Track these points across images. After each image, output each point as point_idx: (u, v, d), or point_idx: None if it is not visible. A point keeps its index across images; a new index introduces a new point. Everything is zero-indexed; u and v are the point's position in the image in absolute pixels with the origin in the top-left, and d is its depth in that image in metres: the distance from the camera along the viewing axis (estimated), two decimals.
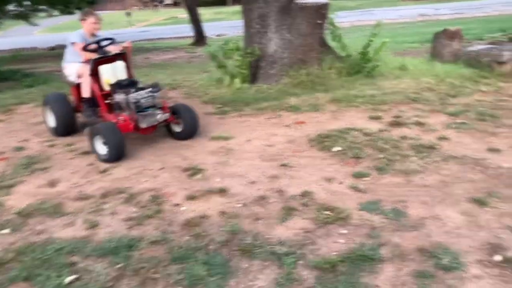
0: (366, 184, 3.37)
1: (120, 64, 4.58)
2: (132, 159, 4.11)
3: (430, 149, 3.92)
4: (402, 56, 8.25)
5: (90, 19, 4.77)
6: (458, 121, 4.63)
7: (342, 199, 3.15)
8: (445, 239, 2.60)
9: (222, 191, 3.34)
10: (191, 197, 3.27)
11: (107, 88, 4.46)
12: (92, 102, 4.62)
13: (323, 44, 6.73)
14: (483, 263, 2.36)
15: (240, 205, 3.13)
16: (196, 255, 2.54)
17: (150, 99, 4.30)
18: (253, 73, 6.48)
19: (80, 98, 4.75)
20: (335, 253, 2.49)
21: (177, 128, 4.51)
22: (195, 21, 15.88)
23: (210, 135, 4.60)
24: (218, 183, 3.49)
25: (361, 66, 6.53)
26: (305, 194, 3.24)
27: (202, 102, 5.94)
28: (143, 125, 4.24)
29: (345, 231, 2.73)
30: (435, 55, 7.52)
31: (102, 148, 4.03)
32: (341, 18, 20.26)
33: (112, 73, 4.50)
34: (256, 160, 3.92)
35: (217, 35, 18.14)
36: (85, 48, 4.49)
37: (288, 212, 3.00)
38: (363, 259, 2.42)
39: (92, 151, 4.13)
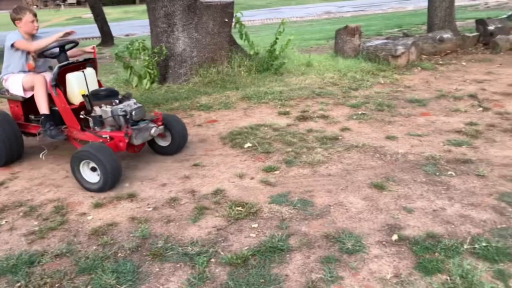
0: (276, 177, 3.47)
1: (91, 72, 3.88)
2: (33, 168, 3.84)
3: (333, 140, 4.14)
4: (308, 52, 8.59)
5: (27, 17, 3.87)
6: (359, 112, 4.93)
7: (254, 194, 3.21)
8: (349, 224, 2.76)
9: (131, 196, 3.25)
10: (98, 205, 3.14)
11: (76, 100, 3.76)
12: (52, 118, 3.82)
13: (232, 42, 6.80)
14: (382, 244, 2.54)
15: (150, 209, 3.07)
16: (104, 265, 2.44)
17: (140, 111, 3.71)
18: (163, 73, 6.36)
19: (26, 117, 4.04)
20: (246, 248, 2.54)
21: (163, 142, 3.98)
22: (101, 21, 15.19)
23: None
24: (127, 188, 3.39)
25: (269, 64, 6.70)
26: (217, 192, 3.26)
27: None
28: (138, 141, 3.60)
29: (256, 225, 2.79)
30: (338, 51, 7.92)
31: (91, 176, 3.37)
32: (251, 17, 20.66)
33: (83, 82, 3.78)
34: (168, 162, 3.86)
35: (126, 35, 17.51)
36: (42, 53, 3.77)
37: (200, 211, 2.99)
38: (273, 251, 2.49)
39: (78, 179, 3.41)
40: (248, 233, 2.71)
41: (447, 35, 7.86)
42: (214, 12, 6.26)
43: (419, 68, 6.92)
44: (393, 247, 2.50)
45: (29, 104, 3.97)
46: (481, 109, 4.86)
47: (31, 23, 3.91)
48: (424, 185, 3.22)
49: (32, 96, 3.84)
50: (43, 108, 3.78)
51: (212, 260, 2.45)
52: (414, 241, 2.52)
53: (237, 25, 6.66)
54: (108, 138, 3.60)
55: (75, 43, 3.94)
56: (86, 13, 24.83)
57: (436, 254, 2.39)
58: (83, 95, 3.73)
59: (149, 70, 6.04)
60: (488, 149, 3.79)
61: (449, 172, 3.37)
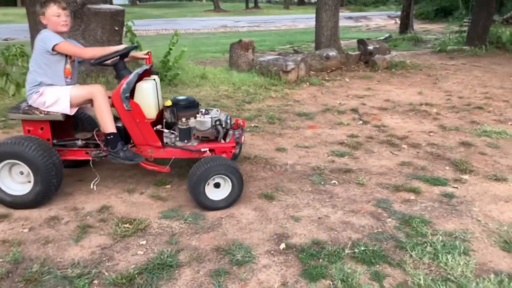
0: (167, 191, 3.38)
1: (158, 80, 3.42)
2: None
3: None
4: (204, 65, 8.62)
5: (51, 10, 3.07)
6: (252, 125, 5.04)
7: (143, 210, 3.09)
8: (239, 235, 2.78)
9: (3, 217, 2.92)
10: None
11: (152, 113, 3.25)
12: (119, 136, 3.18)
13: None
14: (270, 253, 2.59)
15: (26, 229, 2.79)
16: None
17: (230, 119, 3.42)
18: None
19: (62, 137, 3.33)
20: (133, 266, 2.42)
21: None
22: None
23: None
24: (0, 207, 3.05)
25: (163, 74, 6.57)
26: (103, 209, 3.08)
27: None
28: (237, 151, 3.35)
29: (144, 242, 2.67)
30: (233, 64, 8.06)
31: (213, 193, 3.07)
32: (146, 26, 20.20)
33: (155, 92, 3.31)
34: None
35: (5, 39, 15.99)
36: (99, 61, 3.09)
37: (83, 230, 2.79)
38: (161, 268, 2.40)
39: (199, 200, 3.05)
40: (135, 251, 2.58)
41: (332, 53, 8.44)
42: (103, 20, 5.97)
43: (307, 83, 7.32)
44: (281, 256, 2.56)
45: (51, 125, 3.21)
46: (361, 122, 5.27)
47: (57, 17, 3.08)
48: (310, 194, 3.37)
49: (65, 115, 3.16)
50: (110, 125, 3.12)
51: (95, 281, 2.29)
52: (301, 249, 2.61)
53: (128, 34, 6.44)
54: (207, 150, 3.24)
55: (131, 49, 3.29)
56: None
57: (321, 260, 2.51)
58: (167, 106, 3.29)
59: None
60: (367, 159, 4.10)
61: (333, 181, 3.58)
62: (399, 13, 18.13)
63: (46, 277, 2.32)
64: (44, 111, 3.13)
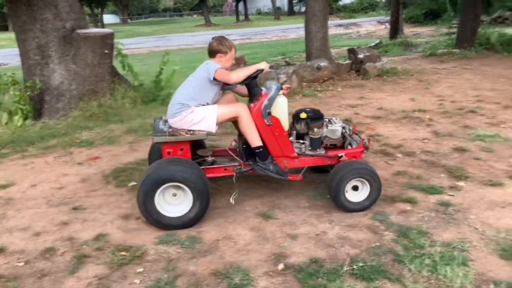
0: None
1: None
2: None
3: None
4: None
5: (233, 53, 3.45)
6: None
7: (139, 236, 3.06)
8: (237, 257, 2.76)
9: None
10: None
11: (287, 126, 3.45)
12: (250, 151, 3.38)
13: (114, 73, 6.57)
14: (269, 274, 2.57)
15: (21, 263, 2.76)
16: None
17: (349, 126, 3.70)
18: (37, 108, 5.89)
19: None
20: None
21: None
22: None
23: None
24: None
25: (156, 94, 6.59)
26: (99, 237, 3.06)
27: None
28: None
29: (141, 269, 2.65)
30: None
31: (353, 195, 3.29)
32: (138, 44, 20.28)
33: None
34: (43, 207, 3.54)
35: None
36: (245, 82, 3.30)
37: (79, 260, 2.77)
38: None
39: (340, 202, 3.27)
40: (132, 279, 2.56)
41: (323, 63, 8.48)
42: (93, 43, 6.00)
43: (300, 95, 7.34)
44: (280, 277, 2.54)
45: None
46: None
47: (232, 59, 3.49)
48: (307, 209, 3.36)
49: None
50: (257, 140, 3.30)
51: None
52: (299, 269, 2.59)
53: (119, 56, 6.47)
54: (344, 155, 3.47)
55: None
56: None
57: (319, 279, 2.49)
58: (302, 118, 3.50)
59: (21, 106, 5.57)
60: None
61: (329, 196, 3.56)
62: (388, 18, 18.28)
63: None
64: (189, 131, 3.28)
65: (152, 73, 7.03)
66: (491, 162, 4.12)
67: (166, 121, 3.46)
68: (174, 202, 3.13)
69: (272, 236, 2.99)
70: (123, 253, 2.83)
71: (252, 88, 3.37)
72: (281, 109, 3.40)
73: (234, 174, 3.41)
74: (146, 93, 6.58)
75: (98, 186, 3.94)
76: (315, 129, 3.52)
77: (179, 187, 3.07)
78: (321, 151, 3.52)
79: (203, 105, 3.31)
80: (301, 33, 19.79)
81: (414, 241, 2.82)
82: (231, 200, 3.44)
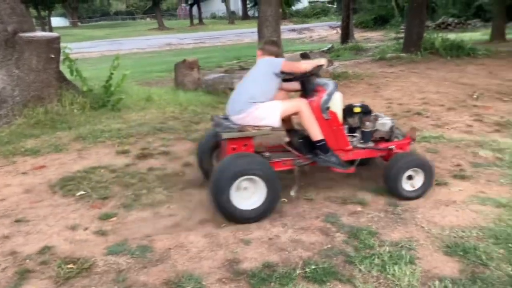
0: (112, 225, 3.26)
1: None
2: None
3: (175, 177, 4.09)
4: (150, 85, 8.49)
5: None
6: None
7: (88, 247, 2.95)
8: (189, 265, 2.71)
9: None
10: None
11: (341, 119, 3.56)
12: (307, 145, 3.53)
13: (62, 79, 6.32)
14: (222, 281, 2.55)
15: None
16: None
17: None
18: None
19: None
20: None
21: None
22: None
23: None
24: None
25: (106, 100, 6.40)
26: (44, 250, 2.91)
27: None
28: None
29: (89, 283, 2.55)
30: (179, 84, 8.00)
31: (408, 185, 3.50)
32: (90, 48, 19.71)
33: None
34: None
35: None
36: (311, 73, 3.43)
37: (22, 276, 2.63)
38: None
39: (398, 192, 3.48)
40: None
41: None
42: (37, 48, 5.75)
43: None
44: (233, 283, 2.52)
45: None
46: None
47: None
48: None
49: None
50: (318, 133, 3.43)
51: None
52: (252, 274, 2.58)
53: (67, 61, 6.24)
54: (393, 148, 3.65)
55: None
56: None
57: (272, 284, 2.49)
58: (356, 113, 3.66)
59: None
60: (314, 173, 4.15)
61: (282, 199, 3.58)
62: (340, 23, 18.75)
63: None
64: (255, 127, 3.36)
65: (102, 78, 6.82)
66: (436, 163, 4.29)
67: (226, 118, 3.53)
68: (246, 196, 3.18)
69: (225, 242, 2.97)
70: (70, 265, 2.71)
71: (309, 83, 3.52)
72: (337, 104, 3.53)
73: (295, 167, 3.54)
74: (95, 98, 6.38)
75: (43, 197, 3.77)
76: (367, 123, 3.67)
77: (250, 180, 3.15)
78: (371, 144, 3.70)
79: (268, 101, 3.42)
80: (256, 37, 19.96)
81: (364, 242, 2.89)
82: (293, 193, 3.52)
